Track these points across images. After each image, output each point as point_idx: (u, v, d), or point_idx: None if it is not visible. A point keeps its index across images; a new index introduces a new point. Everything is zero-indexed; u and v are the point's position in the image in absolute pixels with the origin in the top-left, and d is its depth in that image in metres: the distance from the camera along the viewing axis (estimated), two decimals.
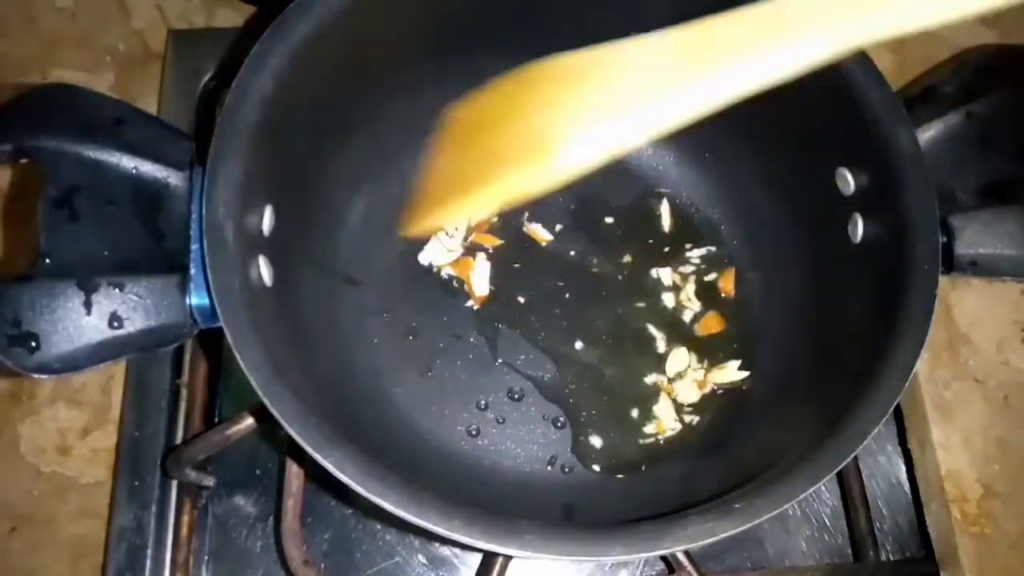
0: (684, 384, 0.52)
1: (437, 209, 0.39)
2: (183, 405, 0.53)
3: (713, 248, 0.56)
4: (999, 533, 0.49)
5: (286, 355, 0.37)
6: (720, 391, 0.52)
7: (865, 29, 0.29)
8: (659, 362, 0.53)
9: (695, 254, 0.55)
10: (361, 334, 0.52)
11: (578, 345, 0.53)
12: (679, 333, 0.54)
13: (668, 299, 0.54)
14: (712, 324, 0.54)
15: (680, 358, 0.53)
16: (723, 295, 0.54)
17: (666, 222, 0.56)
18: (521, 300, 0.54)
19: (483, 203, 0.37)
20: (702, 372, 0.52)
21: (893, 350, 0.38)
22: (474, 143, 0.39)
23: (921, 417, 0.52)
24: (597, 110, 0.33)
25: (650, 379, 0.52)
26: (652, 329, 0.54)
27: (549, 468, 0.50)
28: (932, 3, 0.27)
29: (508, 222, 0.56)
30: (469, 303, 0.54)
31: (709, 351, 0.53)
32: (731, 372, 0.52)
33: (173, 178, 0.40)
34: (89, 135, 0.38)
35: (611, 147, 0.33)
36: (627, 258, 0.55)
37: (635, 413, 0.51)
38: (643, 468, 0.50)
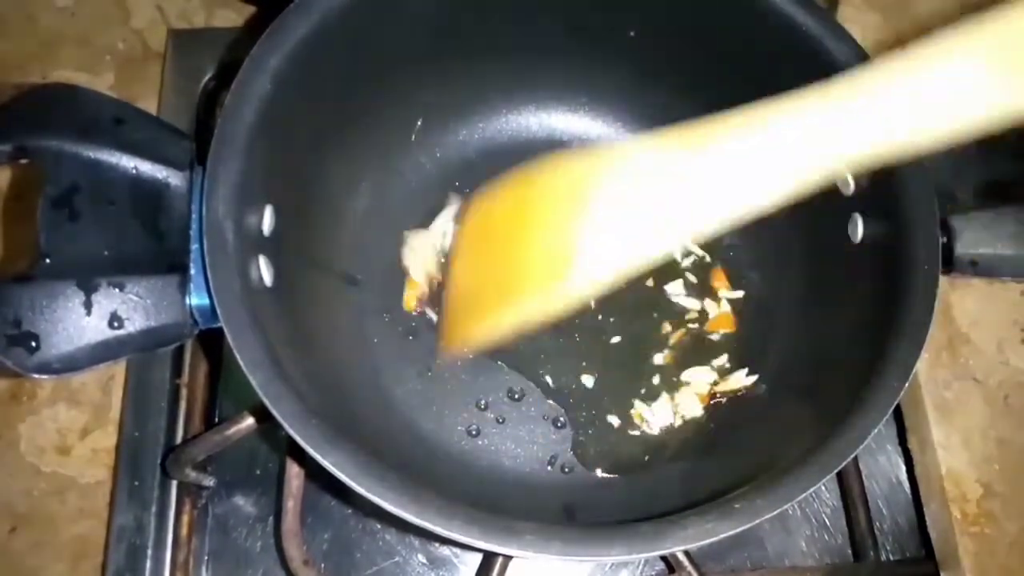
0: (686, 396, 0.52)
1: (469, 330, 0.38)
2: (183, 405, 0.53)
3: (711, 248, 0.56)
4: (999, 533, 0.49)
5: (286, 355, 0.37)
6: (723, 398, 0.52)
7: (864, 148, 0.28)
8: (660, 362, 0.53)
9: (692, 256, 0.56)
10: (361, 334, 0.52)
11: (580, 345, 0.53)
12: (679, 334, 0.54)
13: (668, 300, 0.54)
14: (718, 324, 0.54)
15: (688, 373, 0.52)
16: (720, 295, 0.54)
17: None
18: None
19: (509, 325, 0.35)
20: (706, 385, 0.52)
21: (893, 350, 0.38)
22: (492, 255, 0.37)
23: (921, 417, 0.52)
24: (606, 221, 0.32)
25: (651, 379, 0.52)
26: (652, 330, 0.54)
27: (549, 468, 0.50)
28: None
29: None
30: None
31: (709, 353, 0.53)
32: (737, 379, 0.51)
33: (173, 178, 0.40)
34: (89, 135, 0.38)
35: (626, 263, 0.32)
36: None
37: (636, 413, 0.51)
38: (643, 468, 0.50)
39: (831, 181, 0.30)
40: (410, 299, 0.53)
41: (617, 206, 0.32)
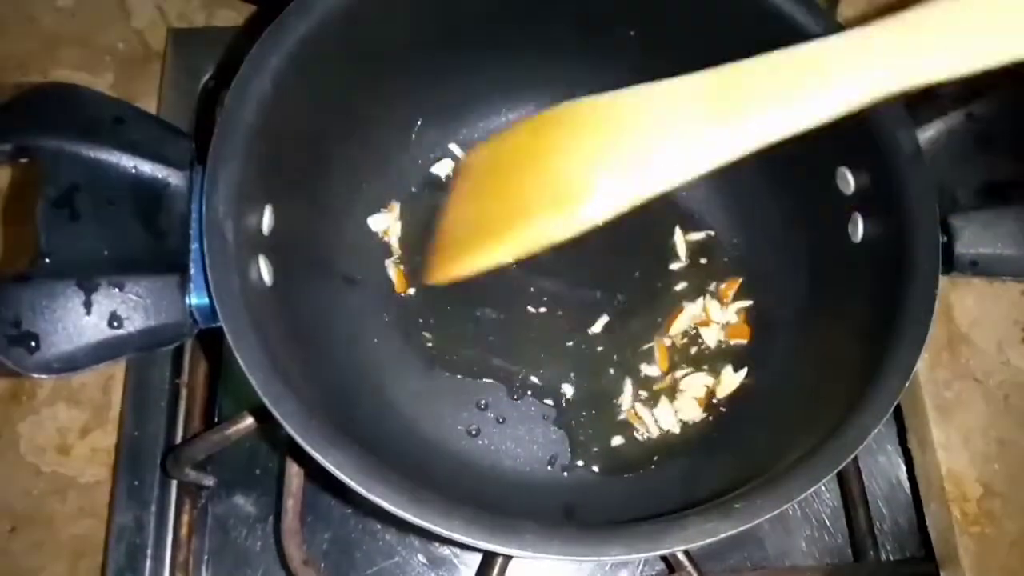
0: (686, 400, 0.52)
1: (459, 257, 0.39)
2: (183, 405, 0.53)
3: (712, 251, 0.56)
4: (999, 533, 0.49)
5: (286, 355, 0.37)
6: (723, 400, 0.52)
7: (898, 76, 0.29)
8: (657, 369, 0.53)
9: (698, 258, 0.55)
10: (361, 334, 0.52)
11: (580, 345, 0.53)
12: (681, 340, 0.54)
13: (667, 301, 0.54)
14: (734, 334, 0.53)
15: (688, 379, 0.52)
16: (724, 301, 0.54)
17: (664, 223, 0.56)
18: (523, 300, 0.54)
19: (506, 251, 0.36)
20: (703, 389, 0.52)
21: (893, 350, 0.38)
22: (495, 189, 0.38)
23: (921, 417, 0.52)
24: (621, 157, 0.33)
25: (651, 384, 0.52)
26: (651, 330, 0.54)
27: (549, 468, 0.50)
28: (969, 51, 0.29)
29: None
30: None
31: (710, 356, 0.53)
32: (732, 378, 0.51)
33: (173, 178, 0.40)
34: (89, 134, 0.38)
35: (636, 195, 0.33)
36: (627, 259, 0.55)
37: (636, 418, 0.51)
38: (643, 468, 0.50)
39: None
40: (399, 283, 0.53)
41: (631, 143, 0.33)
